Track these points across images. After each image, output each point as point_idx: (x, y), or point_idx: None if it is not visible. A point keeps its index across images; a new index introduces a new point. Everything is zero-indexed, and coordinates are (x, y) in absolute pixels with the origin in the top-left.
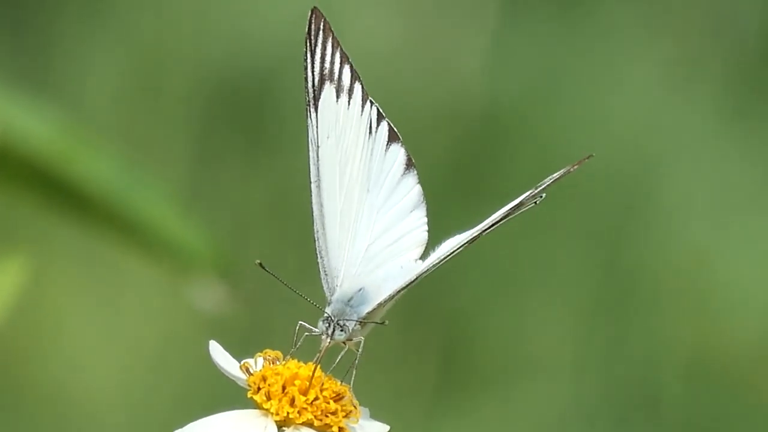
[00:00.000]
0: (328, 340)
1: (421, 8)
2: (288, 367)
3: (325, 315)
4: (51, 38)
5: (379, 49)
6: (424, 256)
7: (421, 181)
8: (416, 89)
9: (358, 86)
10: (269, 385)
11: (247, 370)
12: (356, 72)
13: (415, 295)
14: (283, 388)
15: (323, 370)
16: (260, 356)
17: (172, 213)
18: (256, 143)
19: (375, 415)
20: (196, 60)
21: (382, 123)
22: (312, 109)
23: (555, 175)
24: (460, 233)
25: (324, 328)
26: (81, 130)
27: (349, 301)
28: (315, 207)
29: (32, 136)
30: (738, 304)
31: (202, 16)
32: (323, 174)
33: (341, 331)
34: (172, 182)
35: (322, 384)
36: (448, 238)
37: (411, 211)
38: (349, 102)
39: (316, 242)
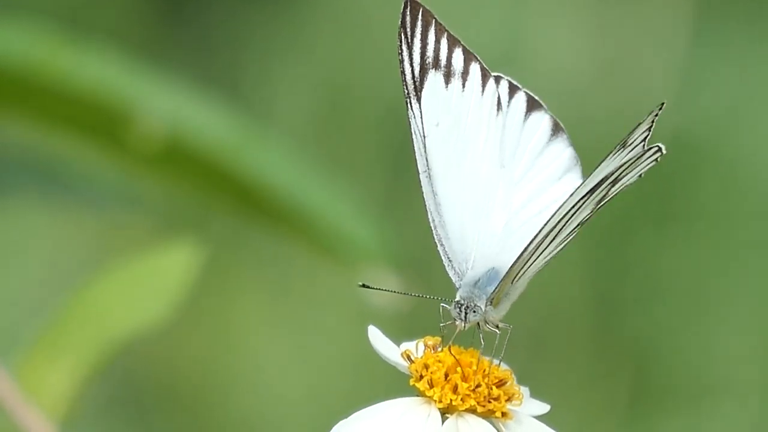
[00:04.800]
0: (463, 324)
1: (607, 39)
2: (449, 354)
3: (456, 300)
4: (240, 63)
5: (566, 82)
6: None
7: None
8: (604, 121)
9: (474, 66)
10: (431, 372)
11: (409, 357)
12: (471, 53)
13: (605, 318)
14: (446, 375)
15: (486, 355)
16: (421, 342)
17: (342, 208)
18: None
19: None
20: (384, 84)
21: (516, 95)
22: (413, 101)
23: (643, 124)
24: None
25: (456, 314)
26: (252, 125)
27: (476, 283)
28: (427, 197)
29: (204, 130)
30: None
31: (393, 41)
32: (434, 162)
33: (474, 313)
34: (364, 198)
35: (485, 370)
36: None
37: (560, 178)
38: (463, 85)
39: (434, 231)
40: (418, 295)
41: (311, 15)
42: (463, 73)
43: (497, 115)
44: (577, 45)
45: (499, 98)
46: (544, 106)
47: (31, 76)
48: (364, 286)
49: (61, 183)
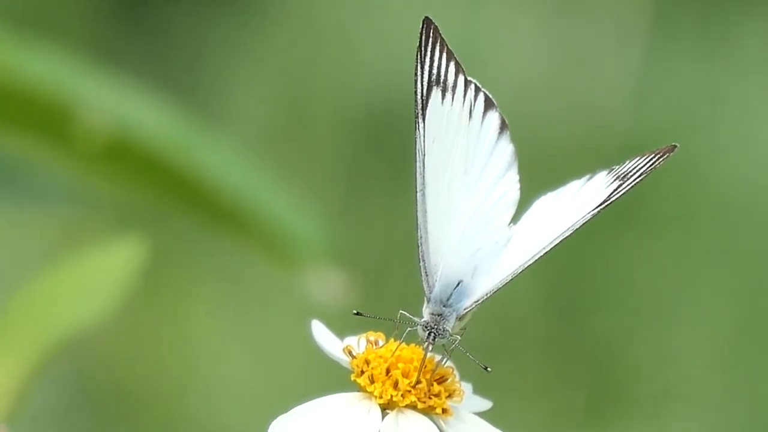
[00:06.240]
0: (430, 347)
1: (565, 41)
2: (391, 350)
3: (424, 322)
4: (198, 67)
5: (523, 81)
6: (515, 219)
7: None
8: (559, 121)
9: (461, 78)
10: (372, 368)
11: (350, 352)
12: (460, 65)
13: (560, 322)
14: (387, 371)
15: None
16: (362, 338)
17: (289, 208)
18: (401, 170)
19: None
20: (343, 89)
21: (479, 97)
22: (420, 120)
23: (641, 164)
24: (552, 192)
25: (424, 336)
26: (201, 124)
27: (447, 300)
28: (419, 215)
29: (151, 128)
30: None
31: (350, 47)
32: (428, 180)
33: (441, 337)
34: (320, 202)
35: (426, 366)
36: (539, 199)
37: (504, 174)
38: (452, 99)
39: (419, 248)
40: (386, 319)
41: (270, 23)
42: (453, 86)
43: (468, 122)
44: (534, 47)
45: (471, 105)
46: (495, 103)
47: None
48: (357, 314)
49: (12, 180)
